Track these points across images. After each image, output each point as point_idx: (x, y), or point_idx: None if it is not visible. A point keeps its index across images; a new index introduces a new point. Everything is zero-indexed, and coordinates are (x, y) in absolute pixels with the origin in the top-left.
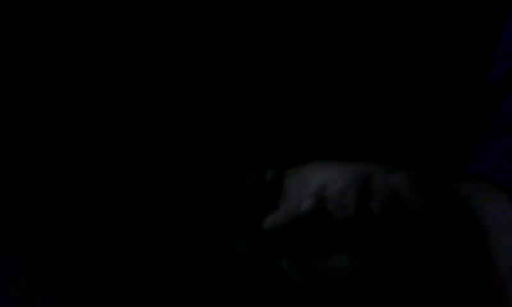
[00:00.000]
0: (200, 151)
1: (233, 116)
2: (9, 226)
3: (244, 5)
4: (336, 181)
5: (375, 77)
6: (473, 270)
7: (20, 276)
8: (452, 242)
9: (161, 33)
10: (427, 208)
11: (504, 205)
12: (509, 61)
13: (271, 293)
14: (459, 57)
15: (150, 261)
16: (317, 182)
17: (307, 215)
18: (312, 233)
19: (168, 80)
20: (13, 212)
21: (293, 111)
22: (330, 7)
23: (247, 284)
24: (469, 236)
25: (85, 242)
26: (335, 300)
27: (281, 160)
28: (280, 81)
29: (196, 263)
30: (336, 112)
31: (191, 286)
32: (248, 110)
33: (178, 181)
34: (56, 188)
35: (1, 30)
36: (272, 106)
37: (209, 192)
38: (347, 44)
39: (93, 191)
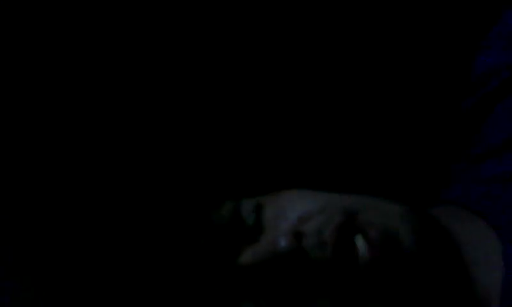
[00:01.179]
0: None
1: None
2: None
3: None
4: (315, 215)
5: (356, 95)
6: (457, 302)
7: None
8: (441, 281)
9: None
10: (419, 252)
11: (482, 233)
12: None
13: None
14: (439, 79)
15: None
16: (295, 216)
17: (284, 254)
18: (289, 273)
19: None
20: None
21: (268, 132)
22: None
23: None
24: (454, 269)
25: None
26: None
27: (258, 185)
28: (258, 103)
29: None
30: (313, 134)
31: None
32: (224, 133)
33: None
34: (51, 189)
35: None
36: (248, 128)
37: (183, 226)
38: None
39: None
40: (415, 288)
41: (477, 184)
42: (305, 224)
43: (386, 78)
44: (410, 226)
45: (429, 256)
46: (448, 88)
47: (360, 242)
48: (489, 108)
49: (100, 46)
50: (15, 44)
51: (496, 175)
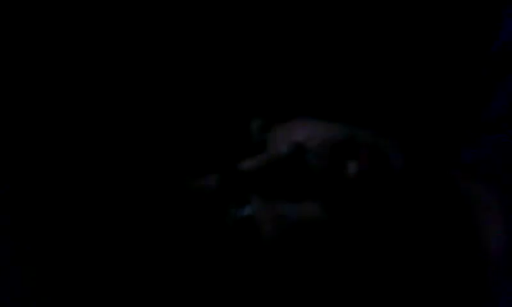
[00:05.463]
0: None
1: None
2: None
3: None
4: (321, 134)
5: (369, 55)
6: (459, 252)
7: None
8: (434, 214)
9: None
10: (407, 171)
11: (493, 196)
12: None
13: (235, 236)
14: (455, 43)
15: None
16: (301, 134)
17: (284, 158)
18: (286, 177)
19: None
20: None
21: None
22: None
23: (210, 224)
24: (458, 215)
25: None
26: (298, 247)
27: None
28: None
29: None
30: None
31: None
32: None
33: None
34: (51, 186)
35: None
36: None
37: (197, 125)
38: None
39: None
40: (400, 206)
41: (490, 150)
42: (309, 140)
43: (407, 38)
44: (401, 150)
45: (416, 178)
46: (467, 54)
47: (351, 164)
48: (504, 76)
49: (100, 46)
50: (15, 44)
51: (502, 143)
